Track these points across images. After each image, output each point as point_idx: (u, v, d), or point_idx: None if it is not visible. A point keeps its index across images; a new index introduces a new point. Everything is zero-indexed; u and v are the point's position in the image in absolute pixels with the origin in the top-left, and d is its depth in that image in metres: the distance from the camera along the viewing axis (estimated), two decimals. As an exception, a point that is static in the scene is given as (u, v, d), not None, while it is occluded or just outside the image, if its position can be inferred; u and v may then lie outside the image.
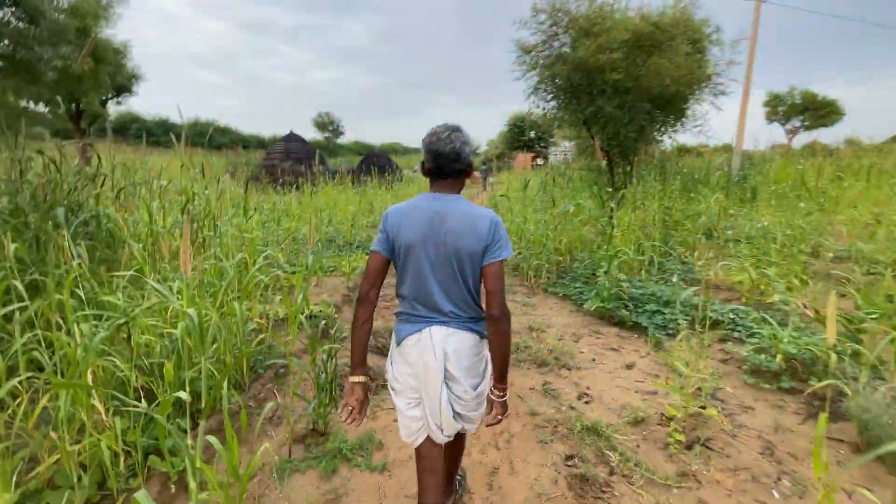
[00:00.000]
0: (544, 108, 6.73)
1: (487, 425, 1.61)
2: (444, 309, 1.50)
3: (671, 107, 6.66)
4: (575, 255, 5.73)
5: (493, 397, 1.56)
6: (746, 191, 9.30)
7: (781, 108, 29.07)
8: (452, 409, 1.53)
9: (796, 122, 29.53)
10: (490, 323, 1.47)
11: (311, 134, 45.07)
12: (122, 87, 16.32)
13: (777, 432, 2.48)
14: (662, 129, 7.06)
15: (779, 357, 2.94)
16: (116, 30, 16.45)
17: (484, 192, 16.58)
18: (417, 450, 1.63)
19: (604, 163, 5.57)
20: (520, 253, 5.58)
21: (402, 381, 1.59)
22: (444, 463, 1.71)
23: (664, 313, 4.05)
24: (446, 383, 1.52)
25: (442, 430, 1.54)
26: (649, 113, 6.37)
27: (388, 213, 1.55)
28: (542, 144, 34.81)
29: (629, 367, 3.32)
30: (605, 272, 4.46)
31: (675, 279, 4.36)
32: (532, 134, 35.32)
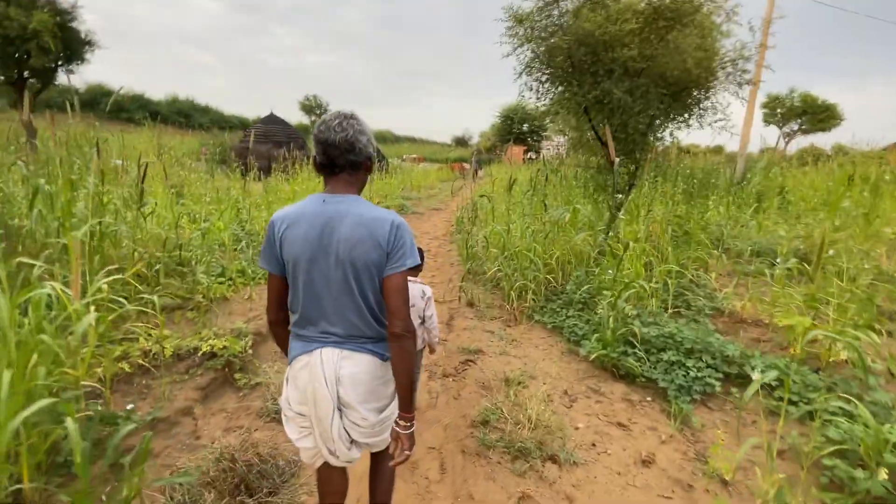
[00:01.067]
0: (538, 91, 5.59)
1: (393, 465, 1.30)
2: (338, 331, 1.27)
3: (688, 95, 5.59)
4: (568, 273, 4.66)
5: (397, 429, 1.29)
6: (752, 196, 8.38)
7: (780, 111, 28.34)
8: (349, 436, 1.33)
9: (794, 126, 28.86)
10: (392, 341, 1.26)
11: (297, 117, 43.10)
12: (73, 53, 14.74)
13: None
14: (675, 122, 6.00)
15: (883, 473, 1.91)
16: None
17: (470, 186, 15.46)
18: (317, 472, 1.49)
19: (616, 161, 4.46)
20: (500, 270, 4.49)
21: (292, 407, 1.36)
22: (347, 484, 1.54)
23: (687, 366, 3.01)
24: (340, 410, 1.30)
25: (335, 456, 1.34)
26: (663, 101, 5.29)
27: (273, 221, 1.28)
28: (534, 138, 33.80)
29: (646, 462, 2.27)
30: (610, 303, 3.40)
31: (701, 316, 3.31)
32: (524, 126, 34.28)
